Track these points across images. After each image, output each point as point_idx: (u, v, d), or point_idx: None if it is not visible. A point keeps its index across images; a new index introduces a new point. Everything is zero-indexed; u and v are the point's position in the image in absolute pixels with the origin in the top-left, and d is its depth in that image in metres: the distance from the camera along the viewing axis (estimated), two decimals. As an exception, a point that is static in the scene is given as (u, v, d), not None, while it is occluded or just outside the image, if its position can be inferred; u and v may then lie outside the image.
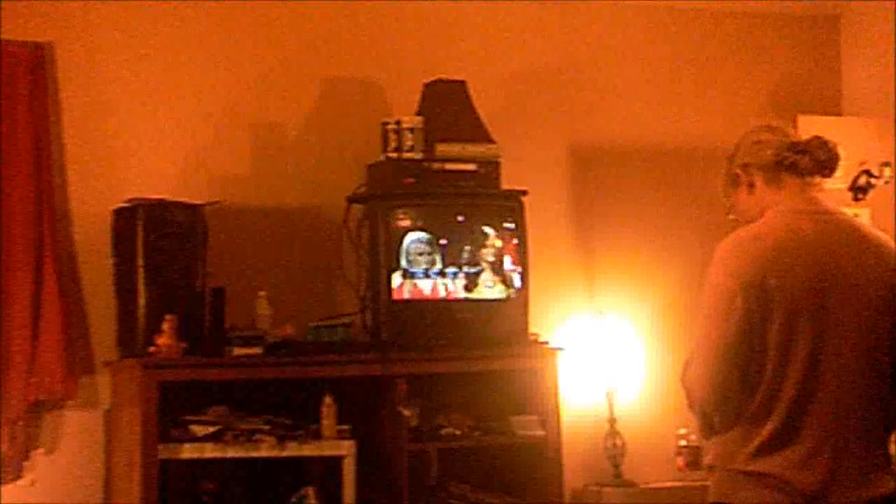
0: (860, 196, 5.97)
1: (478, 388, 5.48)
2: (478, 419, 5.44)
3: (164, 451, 4.93)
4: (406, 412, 5.15)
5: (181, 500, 5.15)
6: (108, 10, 5.48)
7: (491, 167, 5.46)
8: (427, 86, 5.57)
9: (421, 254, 5.30)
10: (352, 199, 5.53)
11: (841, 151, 3.30)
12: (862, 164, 5.99)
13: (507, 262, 5.41)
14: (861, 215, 5.54)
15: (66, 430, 5.28)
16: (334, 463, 5.16)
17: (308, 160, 5.71)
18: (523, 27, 6.08)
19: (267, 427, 5.10)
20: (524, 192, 5.48)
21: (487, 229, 5.40)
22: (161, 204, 5.13)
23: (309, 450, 5.13)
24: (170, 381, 4.95)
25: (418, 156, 5.39)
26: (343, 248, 5.53)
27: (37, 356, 5.15)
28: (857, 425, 3.14)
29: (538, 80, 6.08)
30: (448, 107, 5.52)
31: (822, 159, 3.28)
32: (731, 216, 3.39)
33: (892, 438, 3.25)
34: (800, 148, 3.28)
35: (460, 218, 5.39)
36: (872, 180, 5.99)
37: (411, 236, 5.30)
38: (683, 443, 5.88)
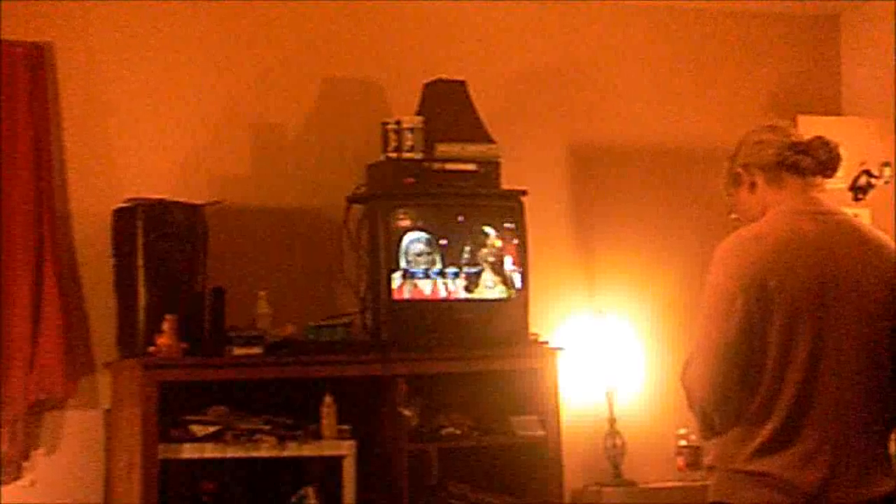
0: (860, 196, 5.98)
1: (478, 388, 5.48)
2: (478, 419, 5.44)
3: (164, 451, 4.93)
4: (406, 412, 5.15)
5: (181, 500, 5.15)
6: (107, 10, 5.48)
7: (491, 167, 5.46)
8: (427, 86, 5.57)
9: (421, 254, 5.30)
10: (352, 200, 5.53)
11: (842, 151, 3.30)
12: (862, 164, 5.99)
13: (508, 263, 5.41)
14: (861, 215, 5.53)
15: (66, 430, 5.28)
16: (334, 463, 5.16)
17: (308, 160, 5.71)
18: (523, 27, 6.08)
19: (267, 427, 5.10)
20: (524, 192, 5.48)
21: (487, 229, 5.40)
22: (161, 204, 5.13)
23: (309, 450, 5.13)
24: (170, 381, 4.95)
25: (418, 156, 5.39)
26: (343, 249, 5.53)
27: (37, 356, 5.14)
28: (857, 425, 3.14)
29: (538, 80, 6.08)
30: (448, 107, 5.52)
31: (823, 159, 3.28)
32: (732, 216, 3.39)
33: (893, 438, 3.25)
34: (801, 148, 3.28)
35: (460, 218, 5.39)
36: (872, 180, 6.00)
37: (411, 236, 5.30)
38: (683, 443, 5.88)
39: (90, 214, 5.32)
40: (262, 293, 5.30)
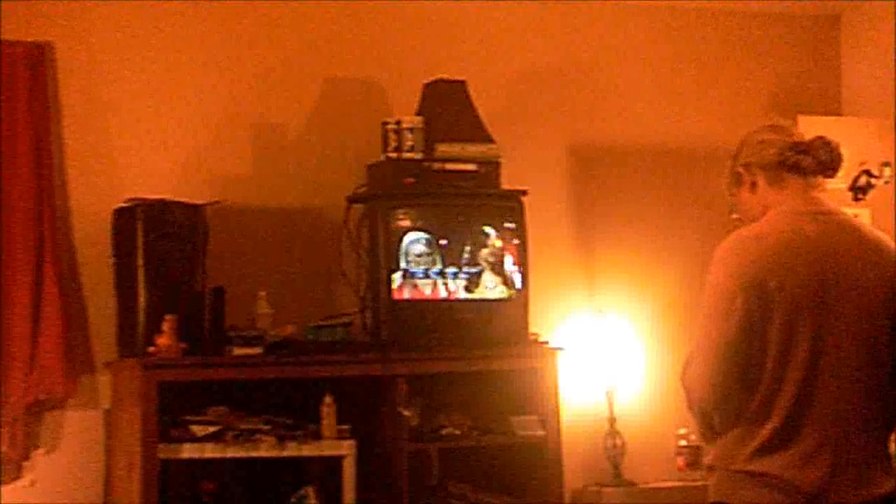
0: (860, 196, 5.97)
1: (478, 388, 5.48)
2: (478, 419, 5.44)
3: (164, 451, 4.93)
4: (406, 412, 5.14)
5: (181, 500, 5.15)
6: (108, 10, 5.48)
7: (491, 167, 5.46)
8: (427, 86, 5.57)
9: (421, 254, 5.30)
10: (352, 200, 5.53)
11: (843, 151, 3.30)
12: (862, 164, 5.98)
13: (508, 262, 5.41)
14: (861, 215, 5.53)
15: (66, 430, 5.28)
16: (334, 463, 5.16)
17: (308, 160, 5.71)
18: (523, 27, 6.08)
19: (267, 427, 5.10)
20: (524, 192, 5.48)
21: (488, 229, 5.40)
22: (161, 204, 5.13)
23: (309, 450, 5.13)
24: (170, 381, 4.95)
25: (418, 156, 5.39)
26: (343, 249, 5.53)
27: (37, 356, 5.14)
28: (857, 425, 3.14)
29: (538, 80, 6.08)
30: (448, 107, 5.52)
31: (824, 159, 3.28)
32: (734, 215, 3.39)
33: (893, 437, 3.25)
34: (802, 148, 3.28)
35: (460, 218, 5.39)
36: (872, 180, 5.99)
37: (411, 236, 5.30)
38: (683, 443, 5.88)
39: (90, 214, 5.32)
40: (262, 293, 5.30)
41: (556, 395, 5.42)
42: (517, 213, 5.44)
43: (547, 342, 5.51)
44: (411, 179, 5.36)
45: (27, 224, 5.17)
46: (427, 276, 5.31)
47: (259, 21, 5.70)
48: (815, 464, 3.09)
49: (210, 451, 5.01)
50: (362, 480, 5.15)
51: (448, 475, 5.47)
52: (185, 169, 5.52)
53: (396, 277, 5.26)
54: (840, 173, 3.37)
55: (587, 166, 6.16)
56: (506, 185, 5.48)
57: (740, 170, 3.33)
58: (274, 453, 5.08)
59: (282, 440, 5.08)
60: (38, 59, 5.29)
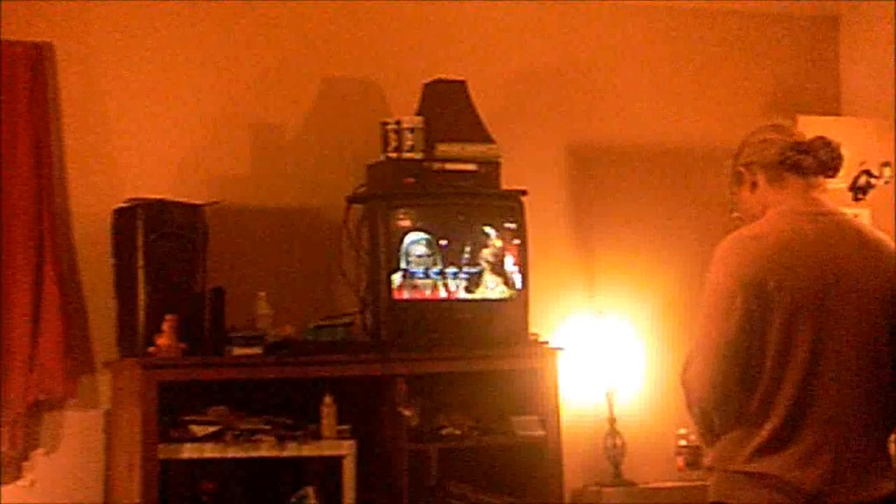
0: (860, 196, 5.97)
1: (478, 388, 5.48)
2: (478, 419, 5.44)
3: (164, 451, 4.93)
4: (406, 412, 5.14)
5: (181, 500, 5.15)
6: (107, 10, 5.48)
7: (491, 167, 5.46)
8: (427, 86, 5.57)
9: (421, 254, 5.30)
10: (352, 200, 5.52)
11: (843, 152, 3.30)
12: (862, 164, 5.98)
13: (508, 262, 5.41)
14: (861, 215, 5.53)
15: (66, 430, 5.28)
16: (334, 463, 5.16)
17: (308, 160, 5.70)
18: (523, 27, 6.08)
19: (267, 427, 5.10)
20: (524, 192, 5.48)
21: (488, 229, 5.40)
22: (161, 204, 5.13)
23: (309, 450, 5.13)
24: (170, 381, 4.95)
25: (418, 156, 5.39)
26: (343, 249, 5.53)
27: (37, 356, 5.14)
28: (857, 425, 3.14)
29: (538, 80, 6.08)
30: (448, 107, 5.52)
31: (824, 159, 3.28)
32: (734, 214, 3.40)
33: (893, 439, 3.26)
34: (803, 148, 3.29)
35: (460, 218, 5.39)
36: (872, 180, 5.99)
37: (411, 236, 5.29)
38: (683, 443, 5.87)
39: (90, 214, 5.32)
40: (262, 293, 5.30)
41: (556, 395, 5.42)
42: (517, 213, 5.44)
43: (547, 342, 5.51)
44: (411, 179, 5.36)
45: (27, 224, 5.17)
46: (427, 276, 5.30)
47: (258, 21, 5.70)
48: (815, 464, 3.10)
49: (210, 451, 5.01)
50: (362, 480, 5.15)
51: (448, 475, 5.47)
52: (184, 169, 5.52)
53: (396, 278, 5.26)
54: (840, 173, 3.38)
55: (586, 166, 6.16)
56: (506, 185, 5.48)
57: (741, 169, 3.34)
58: (274, 453, 5.08)
59: (282, 440, 5.08)
60: (38, 59, 5.29)
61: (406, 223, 5.30)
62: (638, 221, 6.15)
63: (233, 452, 5.05)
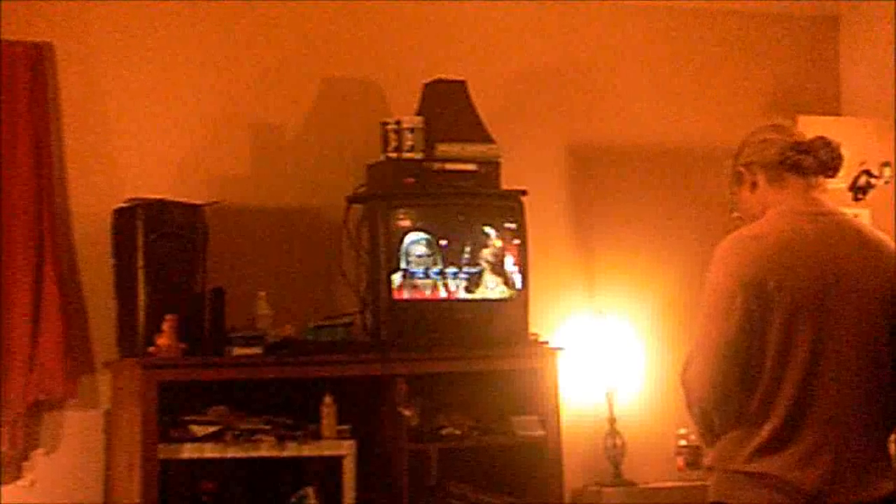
0: (860, 196, 5.97)
1: (478, 388, 5.48)
2: (478, 419, 5.44)
3: (164, 451, 4.92)
4: (406, 412, 5.14)
5: (181, 500, 5.15)
6: (107, 10, 5.48)
7: (491, 167, 5.46)
8: (427, 86, 5.57)
9: (421, 254, 5.30)
10: (352, 199, 5.52)
11: (843, 152, 3.30)
12: (862, 164, 5.98)
13: (508, 263, 5.41)
14: (861, 215, 5.54)
15: (66, 430, 5.28)
16: (334, 463, 5.16)
17: (308, 160, 5.70)
18: (523, 27, 6.08)
19: (267, 427, 5.10)
20: (524, 192, 5.48)
21: (488, 229, 5.40)
22: (161, 204, 5.13)
23: (309, 450, 5.13)
24: (170, 381, 4.95)
25: (418, 156, 5.39)
26: (343, 248, 5.52)
27: (37, 356, 5.14)
28: (857, 425, 3.14)
29: (538, 80, 6.08)
30: (448, 107, 5.52)
31: (825, 159, 3.28)
32: (735, 214, 3.40)
33: (893, 439, 3.26)
34: (803, 148, 3.29)
35: (460, 218, 5.39)
36: (872, 180, 5.99)
37: (411, 236, 5.29)
38: (683, 443, 5.87)
39: (90, 214, 5.32)
40: (261, 293, 5.30)
41: (556, 395, 5.42)
42: (517, 213, 5.44)
43: (547, 342, 5.51)
44: (411, 179, 5.36)
45: (27, 224, 5.17)
46: (427, 276, 5.30)
47: (257, 21, 5.70)
48: (815, 464, 3.10)
49: (210, 451, 5.01)
50: (362, 480, 5.15)
51: (448, 475, 5.47)
52: (184, 169, 5.52)
53: (396, 278, 5.26)
54: (840, 173, 3.38)
55: (586, 166, 6.16)
56: (505, 185, 5.48)
57: (741, 169, 3.34)
58: (274, 453, 5.08)
59: (282, 440, 5.08)
60: (38, 59, 5.29)
61: (406, 223, 5.30)
62: (638, 221, 6.14)
63: (233, 452, 5.05)
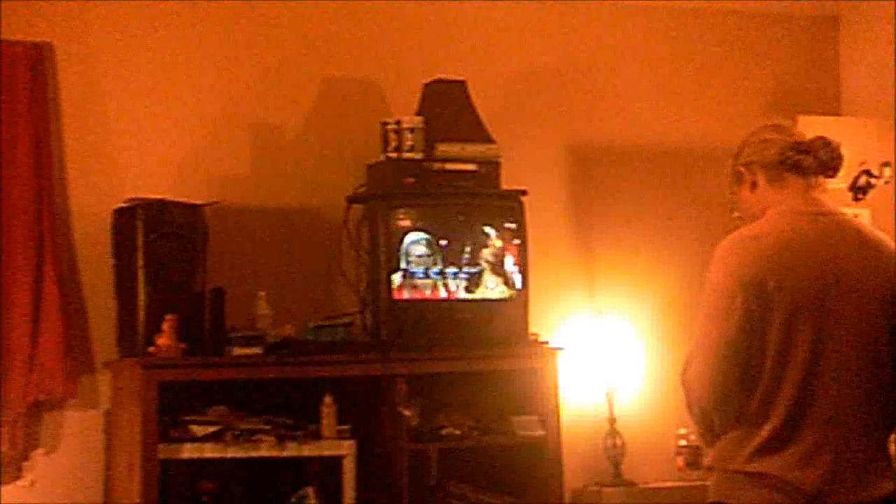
0: (860, 196, 5.97)
1: (478, 388, 5.48)
2: (478, 419, 5.44)
3: (164, 451, 4.92)
4: (406, 412, 5.14)
5: (181, 500, 5.15)
6: (107, 10, 5.48)
7: (491, 167, 5.46)
8: (427, 86, 5.57)
9: (421, 254, 5.30)
10: (352, 199, 5.52)
11: (843, 152, 3.30)
12: (862, 164, 5.98)
13: (508, 263, 5.41)
14: (861, 215, 5.54)
15: (66, 430, 5.28)
16: (334, 463, 5.16)
17: (308, 160, 5.71)
18: (523, 27, 6.08)
19: (267, 427, 5.10)
20: (524, 192, 5.48)
21: (488, 229, 5.40)
22: (161, 204, 5.13)
23: (309, 450, 5.13)
24: (170, 381, 4.95)
25: (418, 156, 5.39)
26: (343, 248, 5.52)
27: (37, 356, 5.14)
28: (857, 426, 3.14)
29: (538, 80, 6.08)
30: (448, 107, 5.52)
31: (825, 160, 3.28)
32: (735, 214, 3.40)
33: (893, 439, 3.26)
34: (803, 148, 3.29)
35: (460, 218, 5.39)
36: (872, 180, 5.99)
37: (411, 236, 5.29)
38: (683, 443, 5.87)
39: (90, 214, 5.32)
40: (262, 293, 5.30)
41: (556, 395, 5.42)
42: (517, 213, 5.44)
43: (547, 342, 5.51)
44: (411, 179, 5.36)
45: (27, 224, 5.17)
46: (427, 276, 5.30)
47: (258, 21, 5.70)
48: (815, 464, 3.10)
49: (210, 451, 5.01)
50: (362, 480, 5.15)
51: (448, 475, 5.47)
52: (184, 169, 5.52)
53: (396, 278, 5.26)
54: (840, 173, 3.38)
55: (586, 166, 6.16)
56: (505, 185, 5.48)
57: (741, 168, 3.34)
58: (274, 453, 5.08)
59: (282, 440, 5.08)
60: (38, 59, 5.29)
61: (406, 223, 5.30)
62: (638, 221, 6.15)
63: (233, 452, 5.04)
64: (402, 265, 5.27)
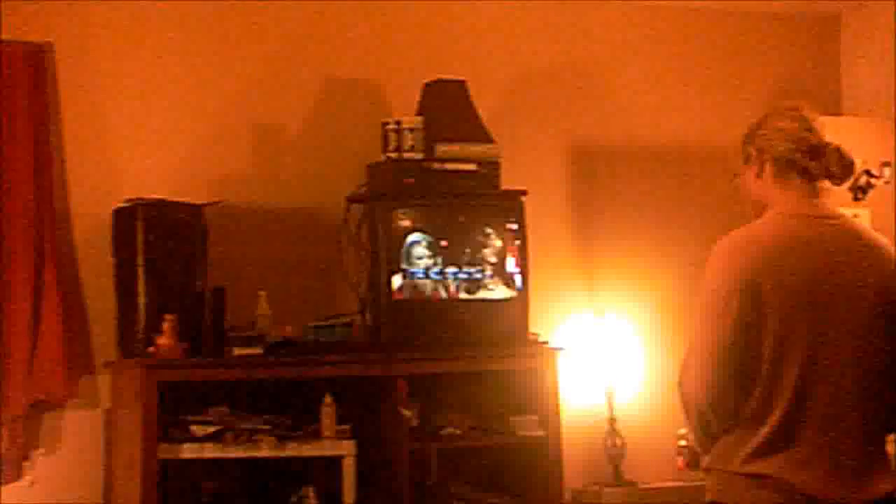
0: (860, 196, 5.97)
1: (478, 388, 5.48)
2: (478, 419, 5.44)
3: (164, 451, 4.92)
4: (406, 412, 5.14)
5: (181, 500, 5.15)
6: (107, 10, 5.48)
7: (491, 167, 5.46)
8: (427, 86, 5.57)
9: (421, 255, 5.30)
10: (352, 199, 5.53)
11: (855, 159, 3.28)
12: (862, 164, 5.98)
13: (509, 263, 5.41)
14: (861, 215, 5.54)
15: (66, 430, 5.28)
16: (334, 463, 5.16)
17: (308, 160, 5.71)
18: (523, 27, 6.08)
19: (267, 427, 5.10)
20: (524, 192, 5.48)
21: (488, 230, 5.40)
22: (161, 204, 5.13)
23: (309, 450, 5.13)
24: (170, 381, 4.95)
25: (418, 156, 5.39)
26: (343, 248, 5.53)
27: (37, 356, 5.14)
28: (854, 427, 3.14)
29: (538, 80, 6.08)
30: (448, 107, 5.52)
31: (833, 170, 3.25)
32: (735, 179, 3.36)
33: (890, 439, 3.26)
34: (815, 153, 3.26)
35: (461, 218, 5.39)
36: (872, 180, 5.99)
37: (412, 237, 5.29)
38: (683, 443, 5.82)
39: (90, 214, 5.32)
40: (262, 293, 5.30)
41: (556, 395, 5.42)
42: (517, 214, 5.44)
43: (547, 342, 5.51)
44: (411, 179, 5.36)
45: (27, 224, 5.17)
46: (427, 276, 5.30)
47: (258, 21, 5.70)
48: (813, 465, 3.10)
49: (210, 451, 5.01)
50: (362, 480, 5.15)
51: (448, 475, 5.47)
52: (184, 169, 5.52)
53: (397, 278, 5.26)
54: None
55: (587, 166, 6.16)
56: (505, 185, 5.48)
57: (752, 151, 3.30)
58: (274, 453, 5.08)
59: (282, 440, 5.08)
60: (38, 59, 5.29)
61: (406, 223, 5.30)
62: (638, 221, 6.15)
63: (233, 452, 5.04)
64: (403, 265, 5.27)
